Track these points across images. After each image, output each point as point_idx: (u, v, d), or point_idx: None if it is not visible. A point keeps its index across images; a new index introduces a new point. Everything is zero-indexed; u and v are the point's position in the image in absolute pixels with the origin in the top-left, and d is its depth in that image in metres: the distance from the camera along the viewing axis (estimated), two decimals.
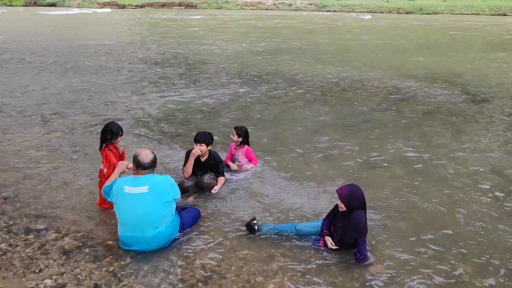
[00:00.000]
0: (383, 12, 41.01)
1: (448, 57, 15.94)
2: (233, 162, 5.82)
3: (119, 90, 10.48)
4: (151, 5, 45.14)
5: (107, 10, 41.85)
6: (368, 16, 36.88)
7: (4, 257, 3.89)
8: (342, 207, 3.95)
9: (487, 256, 4.01)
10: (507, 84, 11.33)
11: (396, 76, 12.30)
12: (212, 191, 5.11)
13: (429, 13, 40.11)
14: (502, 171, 5.95)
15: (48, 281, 3.57)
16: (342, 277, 3.70)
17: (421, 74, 12.59)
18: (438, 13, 40.12)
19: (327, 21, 31.41)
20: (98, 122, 7.90)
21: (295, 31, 25.02)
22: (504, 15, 39.08)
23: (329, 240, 4.03)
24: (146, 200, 3.88)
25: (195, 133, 5.30)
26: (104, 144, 4.73)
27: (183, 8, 44.61)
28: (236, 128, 5.80)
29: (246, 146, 5.83)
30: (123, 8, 44.36)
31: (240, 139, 5.76)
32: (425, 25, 29.45)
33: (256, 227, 4.27)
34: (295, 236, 4.23)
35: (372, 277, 3.70)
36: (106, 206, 4.66)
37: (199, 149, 5.09)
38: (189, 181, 5.19)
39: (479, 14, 39.50)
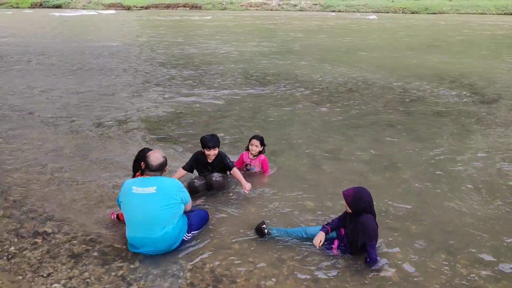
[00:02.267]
0: (388, 12, 40.88)
1: (455, 57, 15.83)
2: (248, 171, 5.69)
3: (125, 91, 10.48)
4: (156, 6, 45.29)
5: (112, 11, 41.97)
6: (373, 16, 36.75)
7: (13, 260, 3.87)
8: (348, 209, 3.91)
9: (501, 260, 3.94)
10: None
11: (403, 76, 12.22)
12: (246, 189, 4.91)
13: (434, 13, 39.94)
14: None
15: (57, 286, 3.54)
16: (353, 282, 3.64)
17: (428, 74, 12.50)
18: (444, 13, 39.94)
19: (332, 22, 31.32)
20: (104, 123, 7.90)
21: (300, 31, 24.96)
22: (511, 14, 38.82)
23: (319, 237, 4.06)
24: (153, 200, 3.87)
25: (201, 137, 5.21)
26: (139, 173, 4.59)
27: (188, 9, 44.70)
28: (256, 138, 5.54)
29: (263, 156, 5.65)
30: (128, 9, 44.51)
31: (261, 148, 5.58)
32: (430, 25, 29.30)
33: (266, 230, 4.22)
34: (305, 240, 4.18)
35: (383, 282, 3.64)
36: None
37: (214, 154, 5.08)
38: (199, 180, 5.17)
39: (485, 14, 39.27)
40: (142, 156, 4.53)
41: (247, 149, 5.65)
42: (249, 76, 12.21)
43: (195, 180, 5.16)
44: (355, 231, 3.90)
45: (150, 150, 4.58)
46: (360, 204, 3.86)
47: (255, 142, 5.52)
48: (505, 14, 38.77)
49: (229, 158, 5.26)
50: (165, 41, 20.19)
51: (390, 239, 4.25)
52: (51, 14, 36.91)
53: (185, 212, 4.26)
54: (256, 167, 5.67)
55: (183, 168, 5.23)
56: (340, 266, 3.84)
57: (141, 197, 3.88)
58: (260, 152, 5.61)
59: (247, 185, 4.95)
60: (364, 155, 6.49)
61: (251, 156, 5.64)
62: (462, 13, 39.63)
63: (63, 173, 5.77)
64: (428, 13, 39.69)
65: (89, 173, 5.76)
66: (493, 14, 39.05)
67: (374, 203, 4.02)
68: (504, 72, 12.90)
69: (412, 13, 40.45)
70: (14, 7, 45.70)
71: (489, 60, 15.11)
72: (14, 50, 16.90)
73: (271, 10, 43.83)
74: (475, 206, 4.94)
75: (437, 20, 32.67)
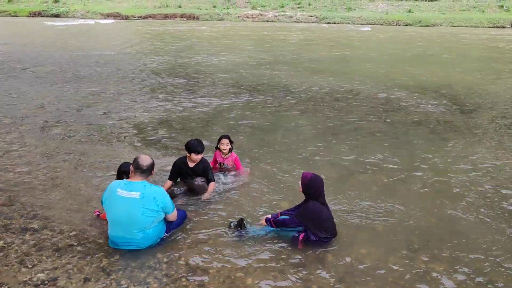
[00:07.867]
0: (382, 24, 41.47)
1: (441, 69, 16.22)
2: (221, 168, 6.07)
3: (118, 98, 10.79)
4: (153, 16, 45.76)
5: (110, 21, 42.44)
6: (368, 28, 37.33)
7: (1, 253, 4.14)
8: (300, 189, 4.35)
9: (457, 257, 4.25)
10: (494, 95, 11.58)
11: (389, 86, 12.58)
12: (203, 197, 5.31)
13: (428, 25, 40.55)
14: (482, 179, 6.17)
15: (41, 275, 3.82)
16: (318, 273, 3.94)
17: (413, 85, 12.87)
18: (437, 26, 40.57)
19: (326, 33, 31.83)
20: (95, 129, 8.20)
21: (293, 43, 25.39)
22: (503, 27, 39.49)
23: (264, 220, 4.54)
24: (136, 205, 4.10)
25: (186, 143, 5.47)
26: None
27: (185, 19, 45.20)
28: (225, 137, 5.93)
29: (233, 154, 6.07)
30: (126, 19, 45.00)
31: (231, 146, 5.99)
32: (422, 37, 29.82)
33: (245, 223, 4.56)
34: (275, 235, 4.48)
35: (346, 273, 3.94)
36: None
37: (198, 159, 5.37)
38: (179, 188, 5.45)
39: (478, 27, 39.92)
40: (122, 170, 4.79)
41: (217, 148, 5.99)
42: (239, 86, 12.54)
43: (175, 188, 5.46)
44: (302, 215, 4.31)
45: (129, 163, 4.74)
46: (312, 189, 4.27)
47: (225, 141, 5.90)
48: (497, 27, 39.42)
49: (212, 171, 5.57)
50: (160, 50, 20.56)
51: (356, 235, 4.55)
52: (49, 23, 37.34)
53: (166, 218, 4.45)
54: (229, 165, 6.07)
55: (169, 179, 5.53)
56: (306, 258, 4.15)
57: (124, 200, 4.12)
58: (230, 150, 5.99)
59: (208, 197, 5.34)
60: (342, 160, 6.81)
61: (223, 155, 6.02)
62: (455, 26, 40.22)
63: (52, 175, 6.06)
64: (422, 26, 40.28)
65: (78, 175, 6.05)
66: (485, 27, 39.70)
67: (348, 203, 4.41)
68: (488, 83, 13.27)
69: (406, 25, 41.02)
70: (12, 16, 46.12)
71: (475, 72, 15.48)
72: (10, 58, 17.21)
73: (267, 21, 44.37)
74: (439, 208, 5.26)
75: (429, 33, 33.23)
